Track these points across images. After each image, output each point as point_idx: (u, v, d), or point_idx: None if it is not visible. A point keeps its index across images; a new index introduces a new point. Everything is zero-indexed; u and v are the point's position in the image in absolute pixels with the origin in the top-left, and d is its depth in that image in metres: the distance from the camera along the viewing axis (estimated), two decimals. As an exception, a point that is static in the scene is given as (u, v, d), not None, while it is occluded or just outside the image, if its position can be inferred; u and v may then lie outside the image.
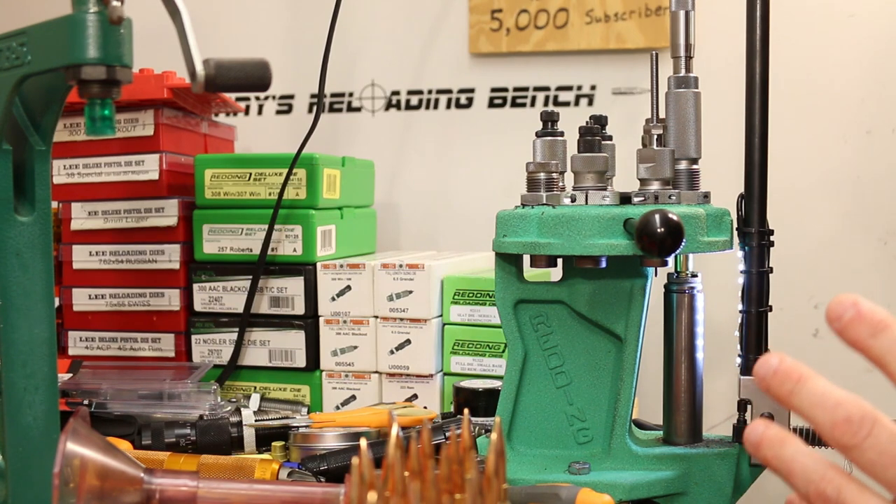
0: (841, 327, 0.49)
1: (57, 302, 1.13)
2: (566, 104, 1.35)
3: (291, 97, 1.44)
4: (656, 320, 0.81)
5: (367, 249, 1.25)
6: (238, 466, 0.81)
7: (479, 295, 1.05)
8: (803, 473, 0.48)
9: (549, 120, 0.81)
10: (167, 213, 1.11)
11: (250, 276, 1.09)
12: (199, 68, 0.58)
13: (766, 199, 0.78)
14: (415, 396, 1.06)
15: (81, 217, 1.13)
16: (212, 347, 1.11)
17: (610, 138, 0.83)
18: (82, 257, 1.13)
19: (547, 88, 1.36)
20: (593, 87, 1.35)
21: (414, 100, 1.40)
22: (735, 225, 0.78)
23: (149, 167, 1.10)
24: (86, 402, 0.95)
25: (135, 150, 1.11)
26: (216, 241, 1.11)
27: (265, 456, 0.87)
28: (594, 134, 0.76)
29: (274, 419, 0.94)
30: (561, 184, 0.79)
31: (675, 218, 0.65)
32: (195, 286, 1.11)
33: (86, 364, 1.08)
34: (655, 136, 0.77)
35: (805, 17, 1.28)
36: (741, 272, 0.78)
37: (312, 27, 1.36)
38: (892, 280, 1.27)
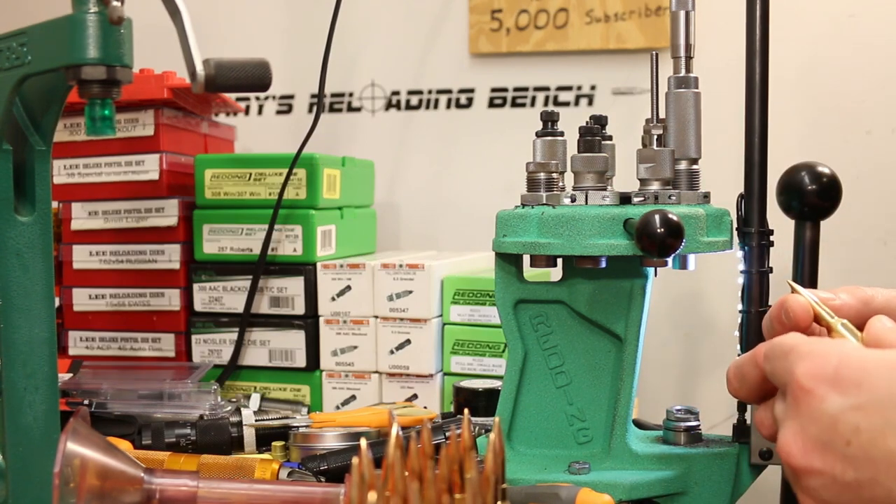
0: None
1: (57, 302, 1.13)
2: (566, 104, 1.35)
3: (291, 97, 1.44)
4: (656, 320, 0.81)
5: (367, 249, 1.25)
6: (238, 466, 0.81)
7: (479, 295, 1.05)
8: None
9: (549, 120, 0.81)
10: (167, 213, 1.11)
11: (250, 276, 1.09)
12: (199, 68, 0.58)
13: (766, 199, 0.78)
14: (415, 396, 1.06)
15: (81, 217, 1.13)
16: (212, 347, 1.11)
17: (610, 138, 0.83)
18: (82, 257, 1.13)
19: (547, 88, 1.36)
20: (593, 87, 1.34)
21: (414, 100, 1.40)
22: (735, 225, 0.78)
23: (149, 167, 1.10)
24: (86, 402, 0.95)
25: (135, 150, 1.11)
26: (216, 241, 1.11)
27: (265, 456, 0.87)
28: (594, 134, 0.76)
29: (274, 419, 0.94)
30: (561, 184, 0.79)
31: (674, 218, 0.65)
32: (195, 286, 1.11)
33: (86, 364, 1.08)
34: (655, 136, 0.77)
35: (805, 17, 1.28)
36: (741, 272, 0.78)
37: (312, 27, 1.36)
38: (892, 280, 1.27)
